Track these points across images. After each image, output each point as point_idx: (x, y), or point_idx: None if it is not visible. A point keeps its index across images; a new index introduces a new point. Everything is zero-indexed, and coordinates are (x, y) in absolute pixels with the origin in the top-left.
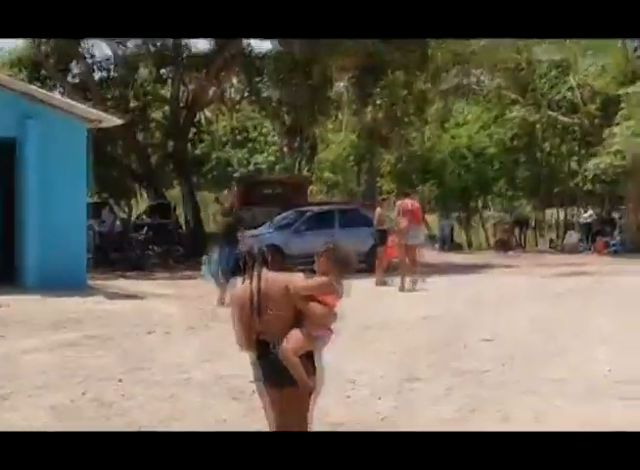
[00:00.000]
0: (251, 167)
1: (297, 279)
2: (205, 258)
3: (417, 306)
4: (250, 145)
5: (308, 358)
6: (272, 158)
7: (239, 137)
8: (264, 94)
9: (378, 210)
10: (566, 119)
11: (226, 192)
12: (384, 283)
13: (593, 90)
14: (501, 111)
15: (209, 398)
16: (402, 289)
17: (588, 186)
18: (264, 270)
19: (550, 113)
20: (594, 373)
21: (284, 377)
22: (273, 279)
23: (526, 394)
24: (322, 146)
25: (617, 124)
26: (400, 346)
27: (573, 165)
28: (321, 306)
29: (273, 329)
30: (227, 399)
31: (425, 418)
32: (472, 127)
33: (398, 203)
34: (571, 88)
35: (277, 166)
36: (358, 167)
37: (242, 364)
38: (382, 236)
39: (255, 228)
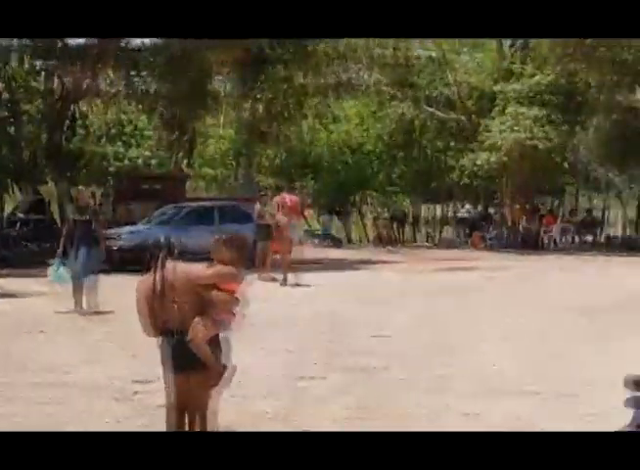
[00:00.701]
0: (127, 162)
1: (199, 269)
2: (56, 260)
3: (302, 303)
4: (125, 139)
5: (214, 343)
6: (148, 152)
7: (114, 131)
8: (141, 88)
9: (257, 205)
10: (443, 115)
11: (81, 188)
12: (271, 278)
13: (470, 86)
14: (380, 106)
15: (93, 399)
16: (285, 284)
17: (465, 181)
18: (167, 261)
19: (428, 108)
20: (482, 369)
21: (190, 363)
22: (175, 269)
23: (418, 391)
24: (201, 141)
25: (493, 119)
26: (287, 343)
27: (450, 161)
28: (223, 293)
29: (177, 317)
30: (110, 401)
31: (315, 417)
32: (349, 123)
33: (277, 198)
34: (447, 84)
35: (153, 161)
36: (237, 163)
37: (122, 365)
38: (263, 231)
39: (134, 224)
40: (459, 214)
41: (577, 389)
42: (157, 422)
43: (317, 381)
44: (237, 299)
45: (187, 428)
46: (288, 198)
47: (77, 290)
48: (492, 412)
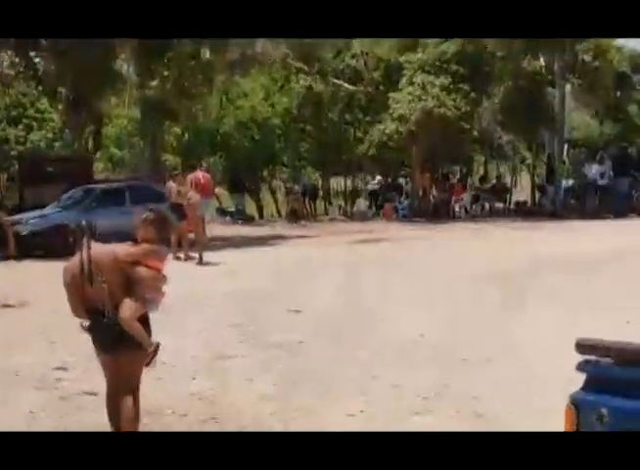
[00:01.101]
0: (29, 145)
1: (124, 247)
2: None
3: (218, 281)
4: (26, 122)
5: (144, 321)
6: (50, 135)
7: (14, 113)
8: (42, 68)
9: (170, 183)
10: (350, 87)
11: None
12: (188, 258)
13: (376, 57)
14: (286, 80)
15: (10, 388)
16: (201, 263)
17: (374, 152)
18: (92, 242)
19: (335, 81)
20: (407, 339)
21: (119, 342)
22: (101, 250)
23: (344, 364)
24: (106, 121)
25: (400, 90)
26: (207, 322)
27: (359, 134)
28: (149, 271)
29: (105, 297)
30: (30, 390)
31: (244, 396)
32: (255, 98)
33: (190, 176)
34: (354, 56)
35: (56, 144)
36: (143, 142)
37: (40, 352)
38: (178, 210)
39: (42, 208)
40: (369, 186)
41: (490, 353)
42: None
43: (241, 359)
44: (164, 276)
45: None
46: (201, 175)
47: None
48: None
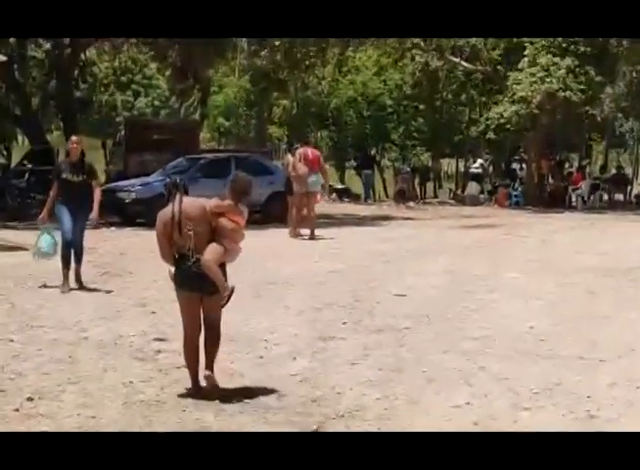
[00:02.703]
0: (135, 112)
1: (212, 201)
2: (43, 230)
3: (322, 260)
4: (134, 88)
5: (222, 268)
6: (157, 102)
7: (123, 79)
8: None
9: (289, 157)
10: (468, 66)
11: (74, 138)
12: (299, 235)
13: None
14: (400, 56)
15: (111, 358)
16: (313, 238)
17: (490, 135)
18: (184, 196)
19: (452, 58)
20: (516, 330)
21: (200, 282)
22: (191, 202)
23: (449, 353)
24: (214, 90)
25: (521, 71)
26: (310, 302)
27: (474, 115)
28: (231, 223)
29: (192, 243)
30: (130, 360)
31: (346, 379)
32: (368, 73)
33: (299, 150)
34: None
35: (162, 112)
36: (250, 113)
37: (140, 323)
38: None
39: (147, 175)
40: (472, 169)
41: (606, 353)
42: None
43: (344, 342)
44: (243, 232)
45: (202, 340)
46: (310, 151)
47: (66, 264)
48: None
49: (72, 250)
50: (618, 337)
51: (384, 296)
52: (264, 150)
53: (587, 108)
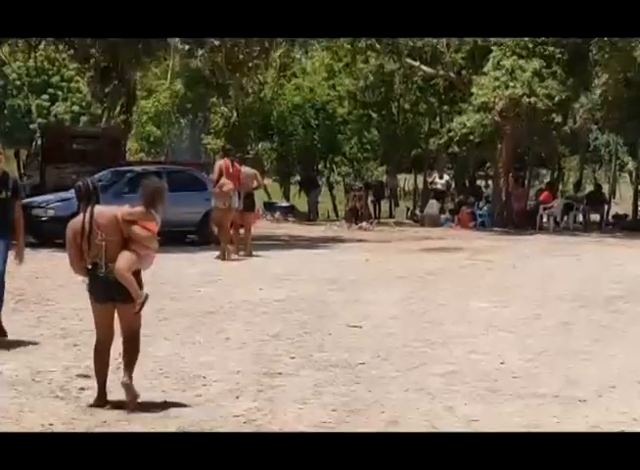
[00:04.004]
0: (52, 118)
1: (124, 209)
2: None
3: (266, 287)
4: (50, 91)
5: (137, 276)
6: (77, 107)
7: (38, 81)
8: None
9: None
10: (429, 70)
11: None
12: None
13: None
14: (353, 59)
15: (28, 397)
16: (223, 258)
17: (453, 148)
18: (95, 205)
19: (411, 62)
20: (486, 366)
21: (116, 292)
22: (102, 210)
23: (412, 391)
24: (143, 95)
25: (486, 75)
26: (254, 334)
27: (434, 125)
28: (144, 230)
29: (103, 253)
30: (50, 399)
31: (296, 421)
32: (316, 77)
33: (219, 162)
34: None
35: (82, 118)
36: (183, 121)
37: (61, 357)
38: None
39: (66, 190)
40: (437, 186)
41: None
42: None
43: (293, 378)
44: (156, 238)
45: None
46: (230, 164)
47: None
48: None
49: None
50: (598, 374)
51: (336, 327)
52: (199, 162)
53: (554, 116)
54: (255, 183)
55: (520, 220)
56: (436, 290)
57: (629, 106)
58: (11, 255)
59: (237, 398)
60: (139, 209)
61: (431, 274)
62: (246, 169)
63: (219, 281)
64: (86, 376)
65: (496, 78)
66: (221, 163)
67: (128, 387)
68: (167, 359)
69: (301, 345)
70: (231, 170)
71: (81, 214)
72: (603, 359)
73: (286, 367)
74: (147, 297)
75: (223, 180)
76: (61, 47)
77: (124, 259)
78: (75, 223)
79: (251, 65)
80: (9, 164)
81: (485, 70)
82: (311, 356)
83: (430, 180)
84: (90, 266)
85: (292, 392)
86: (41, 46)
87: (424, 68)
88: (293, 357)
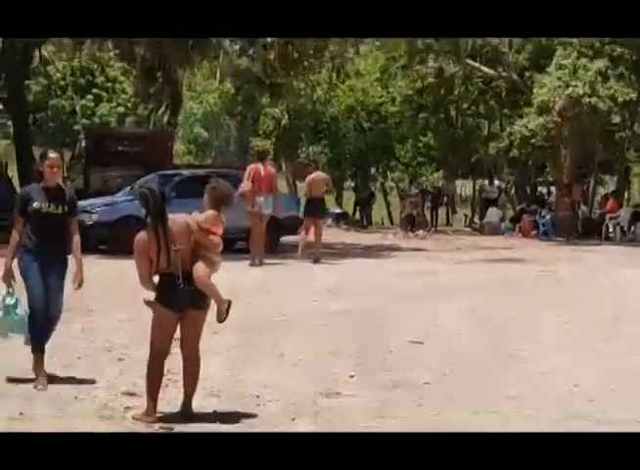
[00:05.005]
0: (96, 119)
1: (194, 216)
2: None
3: (321, 298)
4: (94, 92)
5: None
6: (122, 108)
7: (82, 81)
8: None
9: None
10: (489, 71)
11: (52, 155)
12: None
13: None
14: (409, 60)
15: (72, 417)
16: (255, 264)
17: (514, 153)
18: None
19: (470, 63)
20: (559, 389)
21: (194, 300)
22: (174, 219)
23: (482, 414)
24: (192, 96)
25: (549, 75)
26: (310, 350)
27: (494, 128)
28: (214, 236)
29: (178, 262)
30: (94, 419)
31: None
32: (368, 78)
33: (249, 167)
34: None
35: (128, 119)
36: (232, 123)
37: (106, 372)
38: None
39: (111, 194)
40: (489, 194)
41: None
42: None
43: (352, 399)
44: (221, 241)
45: (181, 366)
46: (263, 168)
47: (39, 345)
48: None
49: (48, 324)
50: None
51: (397, 343)
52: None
53: (614, 117)
54: (325, 188)
55: (585, 229)
56: (502, 303)
57: None
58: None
59: (293, 420)
60: (210, 213)
61: (495, 286)
62: (317, 174)
63: (271, 291)
64: (132, 394)
65: (558, 78)
66: (252, 166)
67: (190, 416)
68: (219, 377)
69: (361, 362)
70: (262, 174)
71: (151, 227)
72: None
73: (345, 387)
74: (230, 303)
75: (244, 183)
76: (106, 46)
77: (203, 268)
78: (146, 236)
79: (305, 63)
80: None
81: (549, 70)
82: (372, 375)
83: (484, 188)
84: (161, 277)
85: (352, 414)
86: (86, 45)
87: (484, 68)
88: (352, 376)
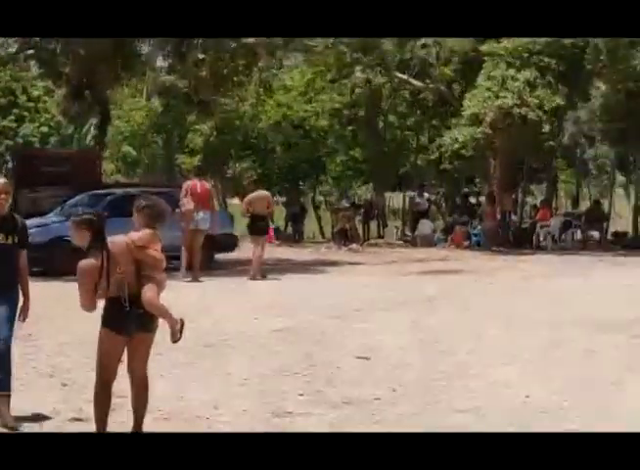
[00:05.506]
0: (19, 140)
1: (132, 235)
2: None
3: (261, 316)
4: (16, 112)
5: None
6: (45, 128)
7: (2, 101)
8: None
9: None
10: (417, 83)
11: (2, 182)
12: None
13: (451, 49)
14: (338, 73)
15: None
16: (196, 279)
17: (445, 165)
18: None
19: (399, 75)
20: (510, 401)
21: (145, 323)
22: (114, 241)
23: (437, 430)
24: (119, 114)
25: (476, 88)
26: (255, 369)
27: (423, 140)
28: (156, 253)
29: (125, 285)
30: None
31: None
32: (294, 92)
33: (186, 183)
34: (425, 46)
35: (52, 139)
36: (163, 141)
37: (50, 398)
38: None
39: (41, 215)
40: (419, 206)
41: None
42: None
43: (305, 418)
44: (164, 258)
45: (130, 389)
46: (199, 184)
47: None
48: None
49: None
50: (633, 406)
51: (343, 360)
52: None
53: (544, 126)
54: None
55: (517, 238)
56: (443, 316)
57: (629, 117)
58: None
59: None
60: (147, 231)
61: (434, 299)
62: (258, 192)
63: (210, 310)
64: (80, 420)
65: (487, 89)
66: (188, 183)
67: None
68: (166, 399)
69: (309, 380)
70: (199, 190)
71: (98, 250)
72: (636, 390)
73: (296, 406)
74: (183, 322)
75: (183, 200)
76: (27, 63)
77: (150, 289)
78: (91, 263)
79: (235, 79)
80: None
81: (477, 82)
82: (321, 392)
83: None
84: (108, 301)
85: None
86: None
87: (412, 81)
88: (301, 394)
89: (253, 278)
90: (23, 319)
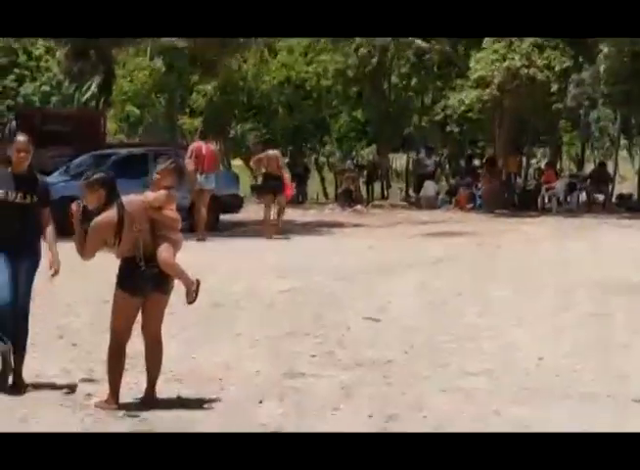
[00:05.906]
0: (20, 100)
1: (150, 195)
2: None
3: (268, 276)
4: (17, 72)
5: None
6: (46, 87)
7: (3, 60)
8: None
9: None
10: (422, 43)
11: (20, 137)
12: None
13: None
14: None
15: (32, 406)
16: (201, 239)
17: (452, 127)
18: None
19: None
20: (522, 363)
21: (159, 284)
22: (130, 200)
23: (450, 392)
24: (123, 74)
25: (484, 49)
26: (266, 329)
27: (427, 101)
28: (172, 213)
29: (140, 245)
30: (56, 407)
31: (331, 430)
32: (295, 53)
33: (192, 145)
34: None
35: (53, 98)
36: (165, 101)
37: (61, 359)
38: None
39: (46, 174)
40: (422, 169)
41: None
42: None
43: (316, 380)
44: (180, 218)
45: (144, 351)
46: (204, 147)
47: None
48: None
49: (13, 325)
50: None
51: (353, 321)
52: (184, 144)
53: (552, 87)
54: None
55: (523, 201)
56: (450, 278)
57: (634, 79)
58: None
59: (260, 402)
60: (162, 192)
61: (440, 261)
62: (267, 152)
63: (218, 270)
64: (91, 380)
65: (495, 51)
66: (194, 145)
67: (155, 404)
68: (178, 360)
69: (320, 341)
70: (204, 152)
71: (109, 209)
72: None
73: (308, 367)
74: (199, 282)
75: (187, 161)
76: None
77: (166, 249)
78: (108, 218)
79: (242, 39)
80: None
81: (484, 44)
82: (332, 354)
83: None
84: (123, 261)
85: (319, 395)
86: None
87: (417, 41)
88: (313, 356)
89: (270, 237)
90: (56, 273)
